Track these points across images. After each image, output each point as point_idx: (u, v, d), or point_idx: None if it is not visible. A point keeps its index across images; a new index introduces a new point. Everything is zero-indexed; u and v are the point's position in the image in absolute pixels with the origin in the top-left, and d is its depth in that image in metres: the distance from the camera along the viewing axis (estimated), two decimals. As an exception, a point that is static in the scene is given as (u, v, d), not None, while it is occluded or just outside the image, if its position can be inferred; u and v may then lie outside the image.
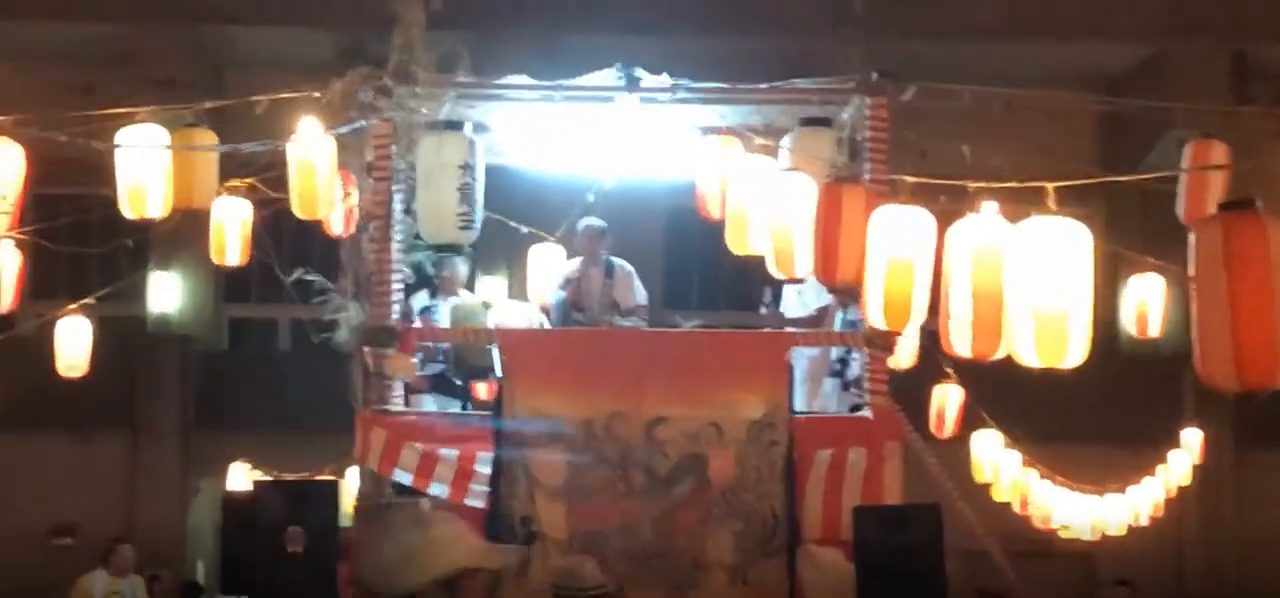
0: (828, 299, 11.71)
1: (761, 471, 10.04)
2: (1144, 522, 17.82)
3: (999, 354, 7.56)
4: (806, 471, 10.08)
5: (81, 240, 17.57)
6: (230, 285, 23.67)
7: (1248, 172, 9.87)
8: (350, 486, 12.01)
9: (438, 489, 10.08)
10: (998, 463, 16.77)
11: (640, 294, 12.23)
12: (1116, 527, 17.67)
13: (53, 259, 17.08)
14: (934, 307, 8.49)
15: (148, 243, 20.16)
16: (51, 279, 20.46)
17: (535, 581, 9.88)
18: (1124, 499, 17.66)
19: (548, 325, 12.18)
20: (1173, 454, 17.87)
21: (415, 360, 10.69)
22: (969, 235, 7.56)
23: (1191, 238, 6.80)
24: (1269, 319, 6.51)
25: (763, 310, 12.02)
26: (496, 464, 10.05)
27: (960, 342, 7.58)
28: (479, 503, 10.05)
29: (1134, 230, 17.71)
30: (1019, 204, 7.84)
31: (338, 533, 9.94)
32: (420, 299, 11.91)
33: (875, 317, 8.49)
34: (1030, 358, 7.10)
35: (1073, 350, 7.08)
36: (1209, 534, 23.13)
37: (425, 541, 3.37)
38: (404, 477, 10.13)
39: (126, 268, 19.22)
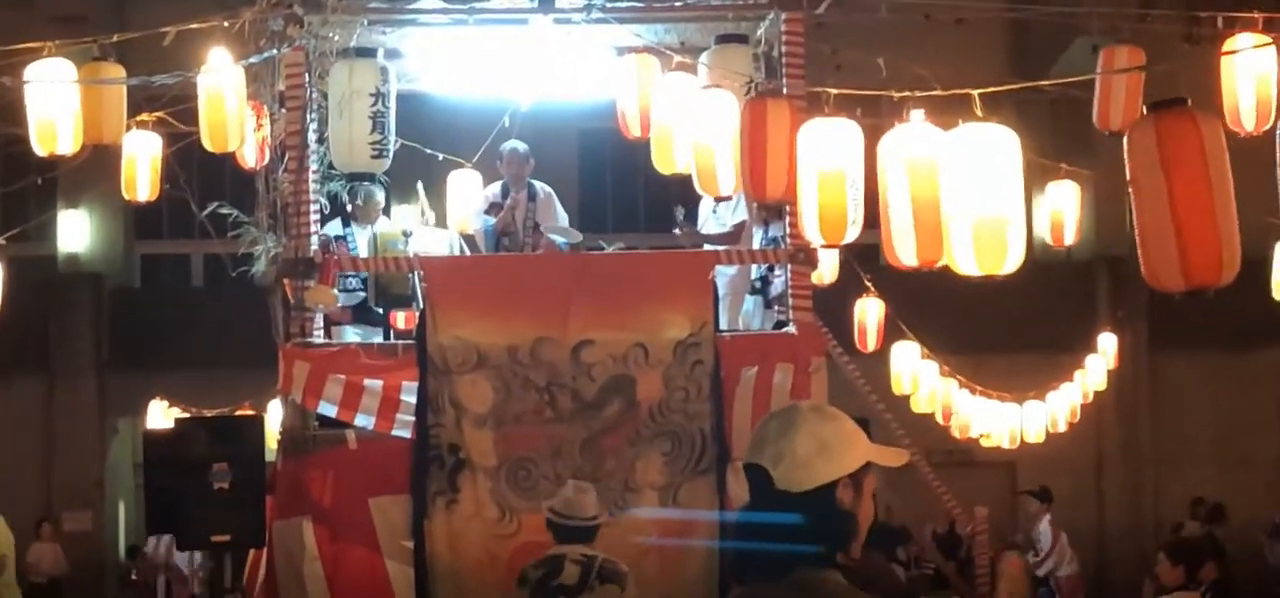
0: (743, 215, 11.70)
1: (689, 390, 10.02)
2: (1062, 428, 17.99)
3: (941, 262, 7.56)
4: (733, 388, 10.07)
5: (-14, 181, 17.29)
6: (140, 222, 23.46)
7: (1162, 74, 9.92)
8: (273, 420, 11.94)
9: (364, 420, 10.02)
10: (917, 374, 16.88)
11: (562, 217, 12.18)
12: (1035, 434, 17.84)
13: (-42, 201, 16.75)
14: (865, 219, 8.50)
15: (55, 182, 19.91)
16: (-43, 221, 20.15)
17: (466, 507, 9.86)
18: (1042, 406, 17.83)
19: (467, 252, 12.09)
20: (1089, 359, 18.04)
21: (336, 291, 10.58)
22: (902, 145, 7.53)
23: (1125, 142, 6.80)
24: (1210, 216, 6.55)
25: (677, 231, 11.97)
26: (422, 393, 9.99)
27: (904, 251, 7.56)
28: (405, 433, 9.99)
29: (1045, 138, 17.81)
30: (937, 114, 7.85)
31: (264, 467, 9.87)
32: (333, 227, 11.78)
33: (811, 232, 8.46)
34: (969, 266, 7.08)
35: (1011, 256, 7.09)
36: (1127, 437, 23.47)
37: (841, 433, 3.39)
38: (329, 409, 10.07)
39: (34, 207, 18.98)
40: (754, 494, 3.68)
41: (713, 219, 11.93)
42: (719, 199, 10.64)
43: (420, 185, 12.77)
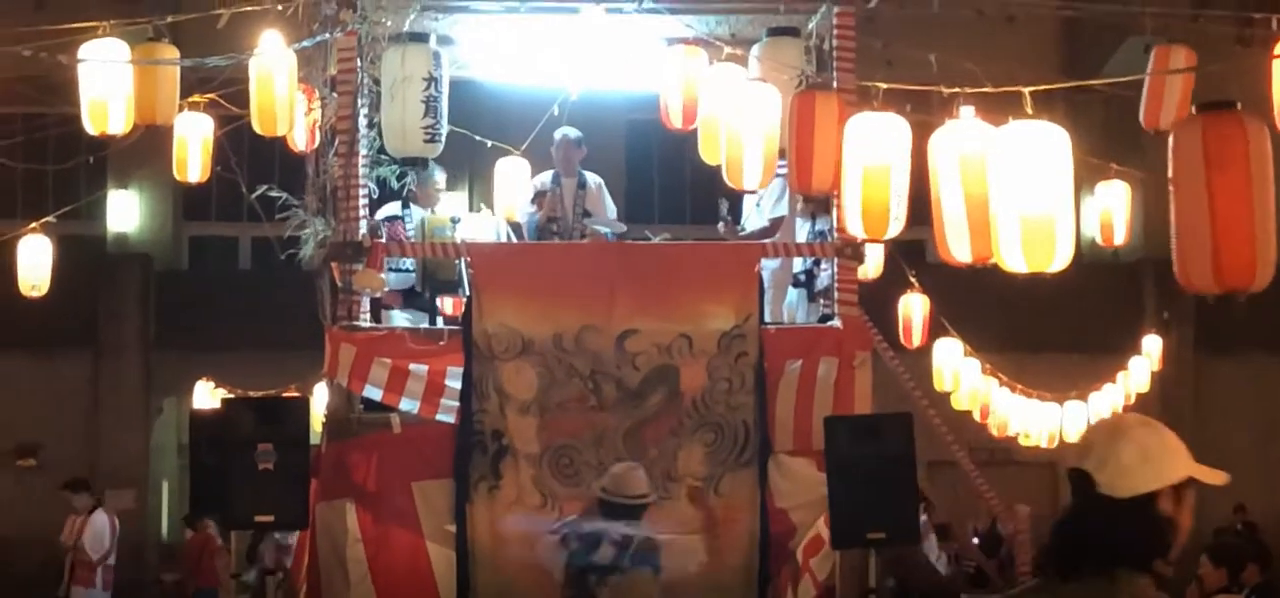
0: (784, 210, 11.68)
1: (732, 382, 10.03)
2: (1105, 429, 17.90)
3: (993, 259, 7.54)
4: (777, 381, 10.07)
5: (38, 159, 17.44)
6: (189, 203, 23.61)
7: (1214, 74, 9.88)
8: (318, 402, 11.98)
9: (408, 405, 10.06)
10: (958, 372, 16.86)
11: (611, 208, 12.18)
12: (1075, 434, 17.78)
13: (9, 178, 16.87)
14: (911, 215, 8.50)
15: (105, 161, 20.02)
16: (8, 198, 20.35)
17: (508, 493, 9.89)
18: (1084, 406, 17.78)
19: (514, 239, 12.11)
20: (1133, 361, 17.97)
21: (384, 275, 10.62)
22: (953, 141, 7.52)
23: (1171, 140, 6.77)
24: (1248, 220, 6.52)
25: (720, 226, 11.95)
26: (466, 379, 10.02)
27: (959, 247, 7.56)
28: (449, 418, 10.03)
29: (1097, 137, 17.75)
30: (988, 111, 7.83)
31: (309, 449, 9.90)
32: (392, 208, 11.79)
33: (853, 225, 8.46)
34: (1017, 263, 7.06)
35: (1059, 254, 7.07)
36: (1169, 440, 23.28)
37: (1164, 445, 3.62)
38: (374, 392, 10.11)
39: (85, 187, 19.12)
40: (1077, 497, 3.83)
41: (756, 213, 11.93)
42: (741, 191, 10.62)
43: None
